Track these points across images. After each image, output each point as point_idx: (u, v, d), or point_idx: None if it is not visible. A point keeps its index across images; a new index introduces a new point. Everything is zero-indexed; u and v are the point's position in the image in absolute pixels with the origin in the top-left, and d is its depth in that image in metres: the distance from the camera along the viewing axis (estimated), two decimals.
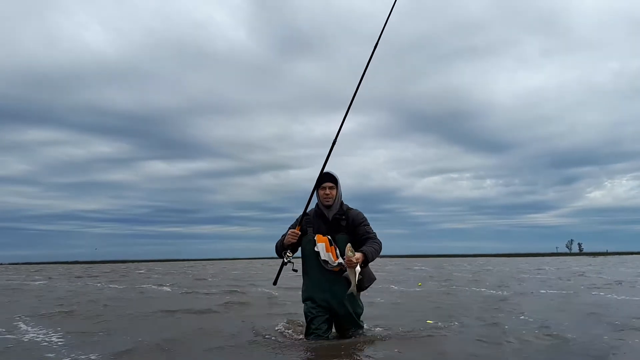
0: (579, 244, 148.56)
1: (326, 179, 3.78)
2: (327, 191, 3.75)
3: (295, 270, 3.78)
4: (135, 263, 69.69)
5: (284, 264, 3.76)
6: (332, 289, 3.71)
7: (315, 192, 3.83)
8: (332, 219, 3.78)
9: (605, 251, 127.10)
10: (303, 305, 3.90)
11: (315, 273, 3.75)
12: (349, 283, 3.54)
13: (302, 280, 3.93)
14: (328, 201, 3.76)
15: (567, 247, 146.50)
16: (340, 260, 3.57)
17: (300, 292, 3.93)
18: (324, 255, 3.63)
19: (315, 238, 3.69)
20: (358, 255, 3.46)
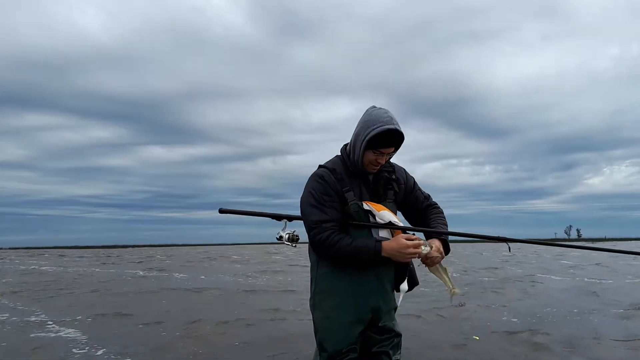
0: (578, 230, 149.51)
1: (391, 140, 2.18)
2: (383, 159, 2.24)
3: (294, 243, 2.33)
4: (137, 248, 69.90)
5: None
6: (385, 289, 2.28)
7: (359, 150, 2.21)
8: (376, 178, 2.32)
9: (604, 237, 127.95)
10: (317, 316, 2.28)
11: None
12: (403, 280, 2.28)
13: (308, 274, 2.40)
14: (374, 169, 2.30)
15: (566, 232, 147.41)
16: None
17: (312, 295, 2.32)
18: (385, 232, 2.21)
19: (368, 206, 2.21)
20: (437, 245, 2.19)
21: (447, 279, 2.30)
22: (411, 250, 2.07)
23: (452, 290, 2.33)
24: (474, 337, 4.44)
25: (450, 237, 2.37)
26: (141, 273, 13.03)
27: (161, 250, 44.98)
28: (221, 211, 2.41)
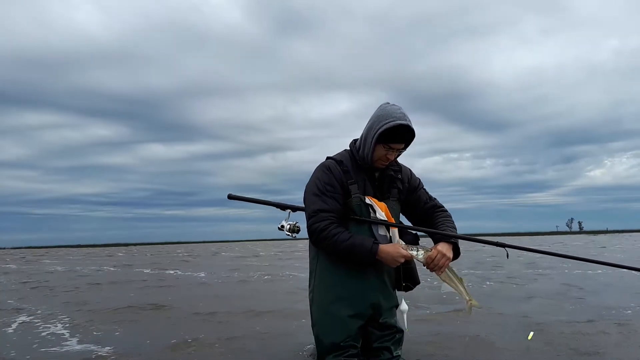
0: (579, 223, 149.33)
1: (402, 136, 2.20)
2: (392, 156, 2.25)
3: (294, 234, 2.39)
4: (139, 246, 69.80)
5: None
6: (386, 285, 2.30)
7: (369, 143, 2.20)
8: (382, 176, 2.33)
9: (606, 229, 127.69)
10: (314, 309, 2.30)
11: None
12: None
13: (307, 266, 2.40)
14: (383, 165, 2.30)
15: (568, 225, 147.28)
16: (400, 242, 2.23)
17: (311, 288, 2.33)
18: (383, 230, 2.24)
19: (370, 201, 2.23)
20: (439, 248, 2.16)
21: (462, 289, 2.22)
22: (402, 260, 2.12)
23: (470, 302, 2.26)
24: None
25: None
26: None
27: (192, 247, 43.79)
28: (230, 197, 2.57)
